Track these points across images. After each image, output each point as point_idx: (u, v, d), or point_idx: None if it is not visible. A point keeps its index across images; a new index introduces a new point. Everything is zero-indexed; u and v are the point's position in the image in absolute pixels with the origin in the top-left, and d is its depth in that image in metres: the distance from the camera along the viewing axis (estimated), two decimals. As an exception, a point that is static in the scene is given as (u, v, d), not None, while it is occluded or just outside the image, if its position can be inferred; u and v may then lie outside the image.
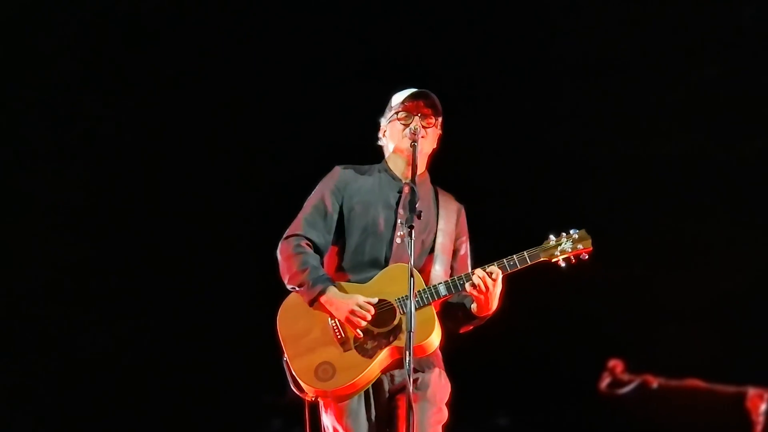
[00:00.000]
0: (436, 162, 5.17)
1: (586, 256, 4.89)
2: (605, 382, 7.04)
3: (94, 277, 7.91)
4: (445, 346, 4.97)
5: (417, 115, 5.01)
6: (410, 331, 4.44)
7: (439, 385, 4.89)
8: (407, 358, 4.42)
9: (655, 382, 6.68)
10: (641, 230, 7.67)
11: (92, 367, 7.87)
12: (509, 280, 4.89)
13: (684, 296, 7.42)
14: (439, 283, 4.83)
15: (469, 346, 5.14)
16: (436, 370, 4.91)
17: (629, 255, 7.61)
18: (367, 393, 4.81)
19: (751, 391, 6.20)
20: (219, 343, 7.80)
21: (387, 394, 4.84)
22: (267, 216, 6.79)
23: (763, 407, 6.44)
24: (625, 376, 6.89)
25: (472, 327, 5.00)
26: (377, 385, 4.82)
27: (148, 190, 7.95)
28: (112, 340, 7.93)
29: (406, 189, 4.97)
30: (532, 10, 7.83)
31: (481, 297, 4.78)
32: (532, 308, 7.57)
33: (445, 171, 5.21)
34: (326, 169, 5.14)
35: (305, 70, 7.93)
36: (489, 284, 4.76)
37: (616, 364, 7.09)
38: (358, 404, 4.80)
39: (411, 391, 4.44)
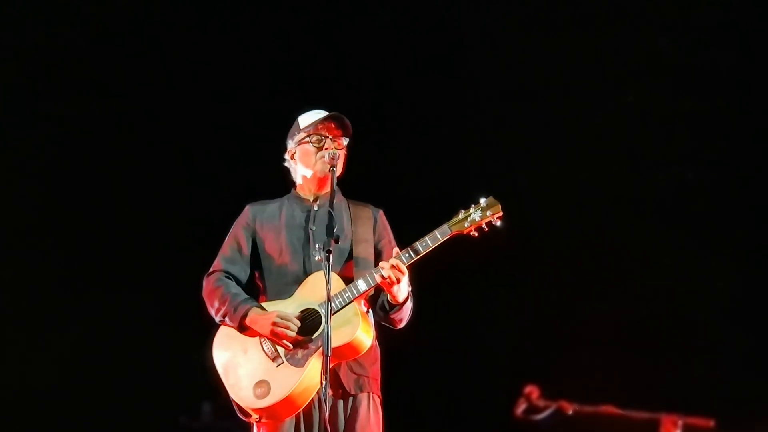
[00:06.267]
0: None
1: (498, 222, 4.84)
2: (521, 408, 7.04)
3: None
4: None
5: (329, 137, 5.02)
6: (327, 355, 4.43)
7: (368, 420, 4.87)
8: (324, 382, 4.41)
9: (570, 409, 6.70)
10: (557, 256, 7.71)
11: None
12: (432, 299, 4.86)
13: (599, 323, 7.46)
14: (357, 280, 4.83)
15: (384, 373, 5.09)
16: (367, 397, 4.89)
17: (545, 281, 7.65)
18: (298, 419, 4.80)
19: (665, 417, 6.25)
20: (135, 365, 7.66)
21: (318, 422, 4.80)
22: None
23: (676, 433, 6.50)
24: (541, 402, 6.90)
25: (400, 317, 4.96)
26: (308, 411, 4.80)
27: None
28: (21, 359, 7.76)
29: (315, 206, 5.05)
30: (446, 34, 7.90)
31: (392, 287, 4.77)
32: (448, 332, 7.58)
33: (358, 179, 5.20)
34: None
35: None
36: (398, 275, 4.74)
37: (531, 390, 7.09)
38: (289, 428, 4.79)
39: (327, 415, 4.49)
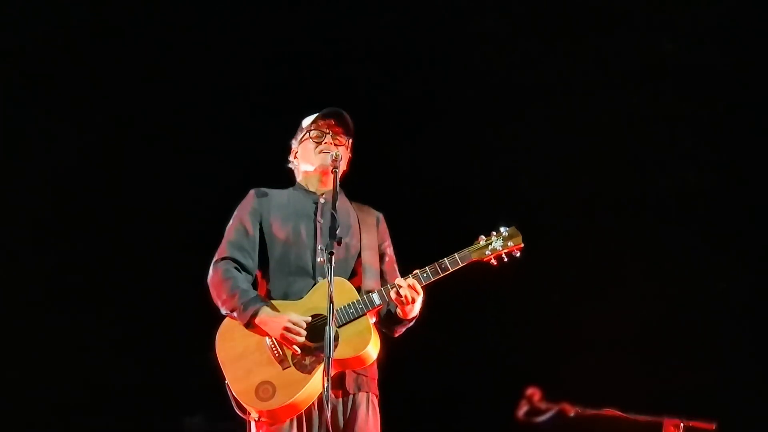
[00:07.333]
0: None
1: (518, 253, 4.93)
2: (522, 410, 7.01)
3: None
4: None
5: (329, 132, 5.03)
6: (329, 357, 4.41)
7: (366, 420, 4.87)
8: (326, 384, 4.38)
9: (572, 411, 6.66)
10: (558, 258, 7.70)
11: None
12: (434, 301, 4.90)
13: (601, 325, 7.47)
14: (372, 292, 4.85)
15: (385, 375, 5.08)
16: (365, 397, 4.89)
17: (547, 282, 7.64)
18: (300, 420, 4.79)
19: (667, 420, 6.24)
20: (138, 366, 7.66)
21: (319, 423, 4.81)
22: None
23: (678, 436, 6.48)
24: (543, 405, 6.86)
25: (403, 329, 5.02)
26: (308, 412, 4.80)
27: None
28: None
29: (322, 198, 5.06)
30: (449, 36, 7.89)
31: (406, 305, 4.81)
32: (449, 334, 7.57)
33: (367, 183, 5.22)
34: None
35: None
36: (414, 295, 4.79)
37: (533, 392, 7.06)
38: (289, 429, 4.79)
39: (329, 417, 4.46)
